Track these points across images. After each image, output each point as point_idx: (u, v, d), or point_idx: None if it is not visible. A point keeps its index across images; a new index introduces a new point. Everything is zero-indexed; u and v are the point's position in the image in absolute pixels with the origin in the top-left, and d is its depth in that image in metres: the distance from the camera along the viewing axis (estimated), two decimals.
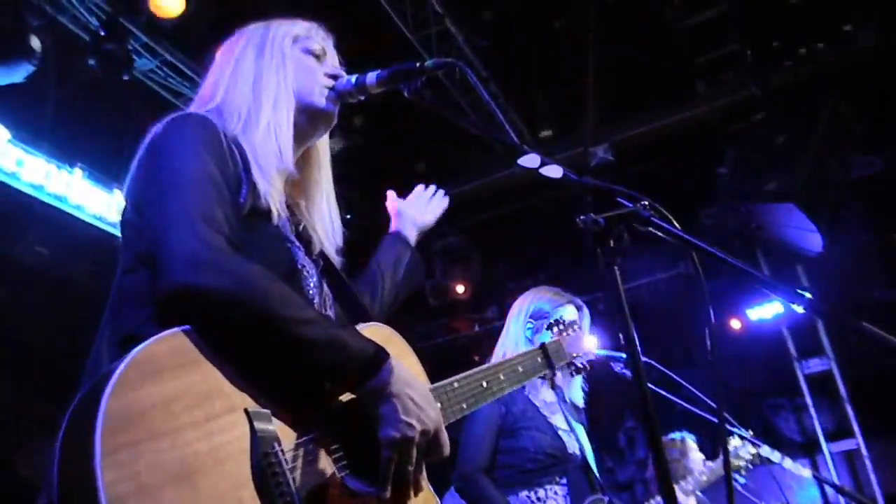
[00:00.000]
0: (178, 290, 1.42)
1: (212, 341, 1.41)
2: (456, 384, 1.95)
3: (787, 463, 3.49)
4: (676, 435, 5.47)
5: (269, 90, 1.83)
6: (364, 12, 5.86)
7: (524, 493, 3.13)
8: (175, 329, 1.38)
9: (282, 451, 1.42)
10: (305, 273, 1.79)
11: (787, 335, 7.85)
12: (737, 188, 7.42)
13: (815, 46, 6.76)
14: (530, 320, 3.43)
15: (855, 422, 7.29)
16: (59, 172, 5.95)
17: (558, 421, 3.34)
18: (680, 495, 4.87)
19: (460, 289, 7.74)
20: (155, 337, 1.33)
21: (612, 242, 1.59)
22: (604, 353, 3.72)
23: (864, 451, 7.14)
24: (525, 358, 2.42)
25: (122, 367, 1.26)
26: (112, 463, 1.19)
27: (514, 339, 3.36)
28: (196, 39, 5.99)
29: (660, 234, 1.57)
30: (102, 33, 5.43)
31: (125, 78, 5.62)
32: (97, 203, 6.16)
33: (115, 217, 6.18)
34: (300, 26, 1.99)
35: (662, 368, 3.46)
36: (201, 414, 1.34)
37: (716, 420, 3.28)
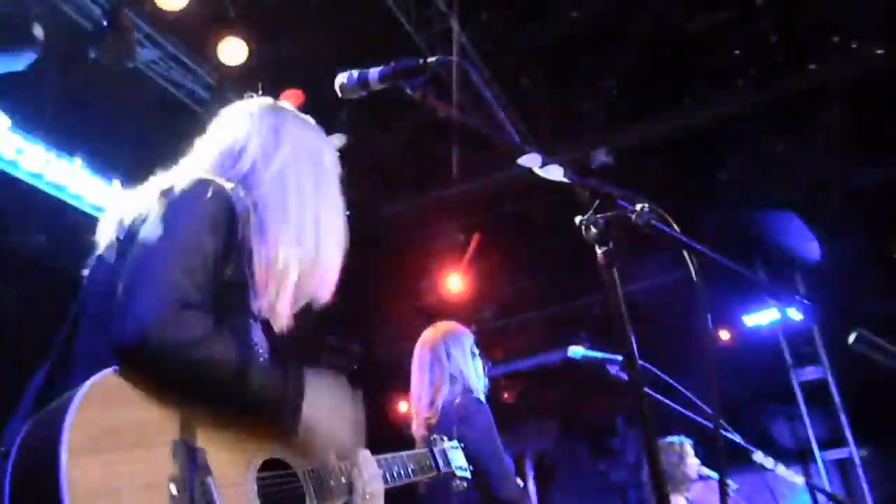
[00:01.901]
0: (127, 346, 1.52)
1: (155, 384, 1.54)
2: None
3: (781, 469, 3.49)
4: (675, 439, 5.47)
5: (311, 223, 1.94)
6: (368, 11, 5.86)
7: None
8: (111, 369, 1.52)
9: (215, 485, 1.54)
10: (259, 350, 1.86)
11: (784, 342, 7.85)
12: (736, 195, 7.43)
13: (818, 56, 6.77)
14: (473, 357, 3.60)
15: (848, 430, 7.30)
16: (59, 161, 5.92)
17: None
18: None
19: (458, 288, 7.74)
20: (104, 372, 1.49)
21: (611, 244, 1.59)
22: (599, 355, 3.73)
23: (856, 460, 7.15)
24: (416, 457, 2.40)
25: (81, 393, 1.41)
26: (76, 464, 1.33)
27: (475, 376, 3.53)
28: (198, 32, 5.98)
29: (659, 236, 1.56)
30: (105, 23, 5.41)
31: (127, 68, 5.61)
32: (96, 193, 6.14)
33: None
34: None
35: (659, 373, 3.45)
36: (148, 442, 1.49)
37: (711, 425, 3.28)
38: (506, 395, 10.52)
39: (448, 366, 3.49)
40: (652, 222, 1.56)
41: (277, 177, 1.89)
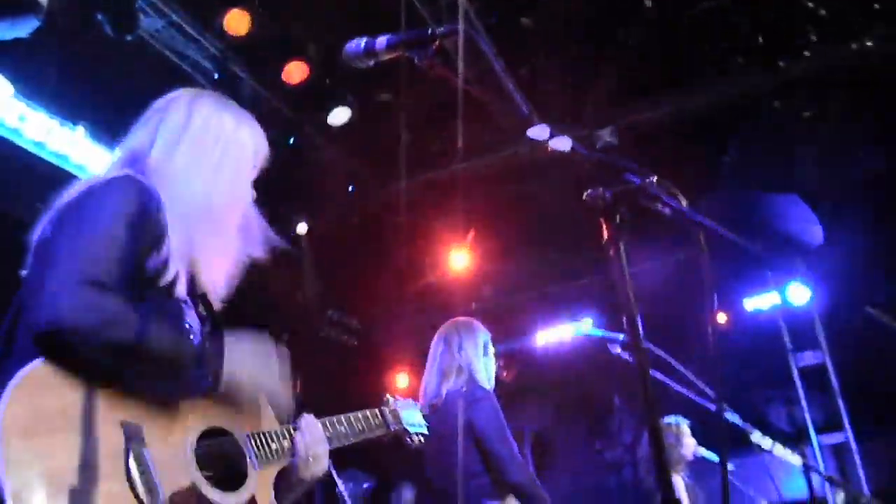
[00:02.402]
0: (40, 332, 1.59)
1: (79, 368, 1.60)
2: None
3: (778, 450, 3.51)
4: (671, 419, 5.50)
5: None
6: None
7: None
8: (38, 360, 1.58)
9: (150, 456, 1.60)
10: (192, 329, 1.92)
11: (784, 327, 7.85)
12: (740, 177, 7.39)
13: (827, 40, 6.69)
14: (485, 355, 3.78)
15: (846, 415, 7.32)
16: (62, 130, 5.89)
17: None
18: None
19: (458, 267, 7.74)
20: (34, 363, 1.55)
21: (618, 219, 1.58)
22: (601, 333, 3.74)
23: (853, 445, 7.18)
24: (365, 416, 2.46)
25: (11, 385, 1.49)
26: (9, 449, 1.40)
27: (483, 371, 3.71)
28: (203, 2, 5.93)
29: (667, 211, 1.55)
30: None
31: (131, 37, 5.56)
32: (99, 163, 6.11)
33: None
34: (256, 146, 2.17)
35: (660, 352, 3.46)
36: (81, 424, 1.54)
37: (712, 406, 3.31)
38: (504, 374, 10.57)
39: (458, 357, 3.67)
40: (661, 197, 1.55)
41: (182, 155, 1.97)
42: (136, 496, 1.53)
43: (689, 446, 5.51)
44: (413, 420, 2.67)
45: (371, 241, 7.73)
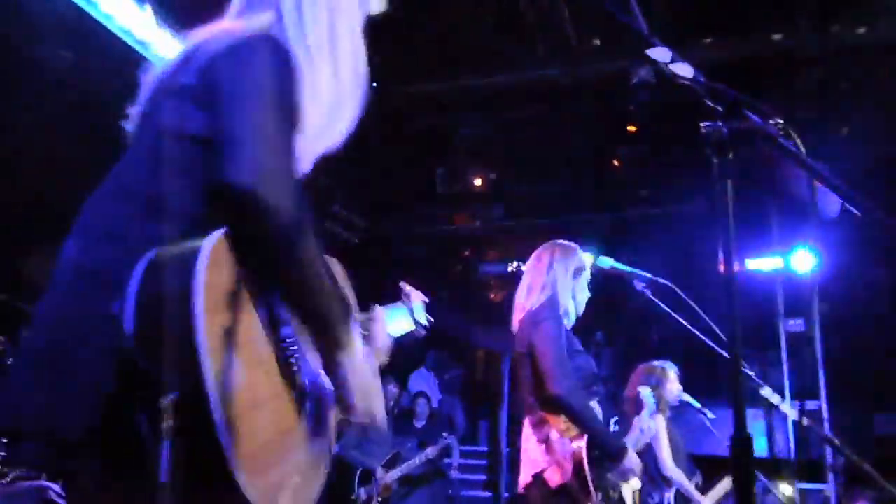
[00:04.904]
0: (240, 193, 1.37)
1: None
2: None
3: (785, 407, 3.59)
4: (657, 363, 5.60)
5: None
6: None
7: None
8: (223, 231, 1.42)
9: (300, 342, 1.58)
10: None
11: (780, 291, 7.94)
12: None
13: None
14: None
15: (823, 384, 7.49)
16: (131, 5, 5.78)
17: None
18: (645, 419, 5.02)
19: (477, 181, 7.67)
20: (217, 234, 1.39)
21: (731, 155, 1.55)
22: (628, 269, 3.75)
23: (825, 414, 7.37)
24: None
25: (209, 246, 1.35)
26: (210, 321, 1.30)
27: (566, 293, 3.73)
28: None
29: (783, 154, 1.52)
30: None
31: None
32: (127, 15, 5.93)
33: (142, 34, 6.01)
34: None
35: (683, 295, 3.48)
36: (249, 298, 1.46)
37: (724, 353, 3.36)
38: (492, 296, 10.67)
39: (545, 276, 3.70)
40: (779, 139, 1.51)
41: (315, 21, 1.71)
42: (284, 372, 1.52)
43: (674, 391, 5.61)
44: (399, 327, 2.61)
45: (389, 141, 7.60)
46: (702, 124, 1.55)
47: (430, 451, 7.00)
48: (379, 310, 2.03)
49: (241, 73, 1.51)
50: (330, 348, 1.63)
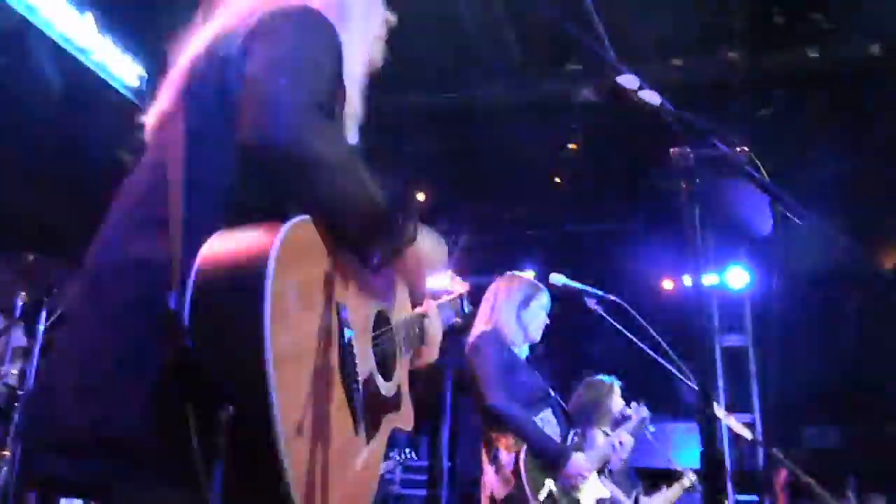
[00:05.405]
0: (273, 142, 1.32)
1: (320, 231, 1.39)
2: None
3: (731, 421, 3.70)
4: (605, 377, 5.69)
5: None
6: None
7: None
8: (303, 217, 1.36)
9: (353, 341, 1.46)
10: None
11: (716, 307, 8.18)
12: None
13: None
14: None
15: (757, 398, 7.73)
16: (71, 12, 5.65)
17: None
18: (599, 439, 5.11)
19: (420, 197, 7.70)
20: (294, 221, 1.32)
21: (697, 180, 1.61)
22: (580, 286, 3.83)
23: (758, 427, 7.60)
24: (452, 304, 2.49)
25: (278, 244, 1.25)
26: (276, 329, 1.20)
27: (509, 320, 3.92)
28: None
29: (747, 181, 1.59)
30: None
31: None
32: (68, 22, 5.79)
33: (82, 42, 5.88)
34: None
35: (633, 312, 3.57)
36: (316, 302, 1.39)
37: (669, 366, 3.49)
38: None
39: (490, 311, 3.90)
40: (744, 167, 1.58)
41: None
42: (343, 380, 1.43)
43: (618, 405, 5.71)
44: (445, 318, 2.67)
45: None
46: (671, 150, 1.60)
47: None
48: (432, 304, 1.99)
49: (285, 35, 1.48)
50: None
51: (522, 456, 3.49)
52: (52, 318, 3.97)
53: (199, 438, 1.18)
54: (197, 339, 1.20)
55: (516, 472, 3.47)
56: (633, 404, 5.15)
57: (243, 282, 1.21)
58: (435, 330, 1.94)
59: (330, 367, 1.36)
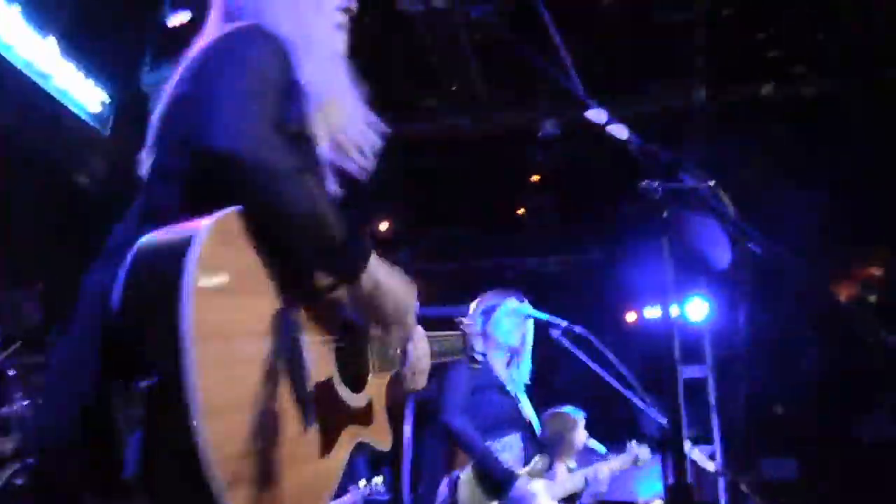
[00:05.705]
0: (226, 156, 1.35)
1: (256, 224, 1.38)
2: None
3: (696, 454, 3.74)
4: (570, 410, 5.68)
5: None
6: None
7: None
8: (235, 208, 1.36)
9: (304, 342, 1.45)
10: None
11: (676, 339, 8.23)
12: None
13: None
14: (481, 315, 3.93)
15: (717, 429, 7.80)
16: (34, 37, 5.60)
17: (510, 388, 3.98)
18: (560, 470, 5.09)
19: (383, 226, 7.70)
20: (224, 211, 1.33)
21: (665, 214, 1.63)
22: (545, 316, 3.83)
23: (718, 458, 7.66)
24: (450, 340, 2.45)
25: (209, 223, 1.27)
26: (200, 302, 1.20)
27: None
28: None
29: (713, 216, 1.61)
30: None
31: None
32: (30, 47, 5.71)
33: (45, 66, 5.80)
34: None
35: (597, 343, 3.59)
36: (255, 290, 1.38)
37: (638, 401, 3.50)
38: None
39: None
40: (710, 202, 1.61)
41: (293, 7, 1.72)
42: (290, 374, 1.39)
43: (581, 437, 5.71)
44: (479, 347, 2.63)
45: None
46: (640, 183, 1.62)
47: None
48: (419, 330, 1.89)
49: (226, 53, 1.52)
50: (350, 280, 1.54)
51: (462, 477, 3.52)
52: None
53: (121, 416, 1.19)
54: (125, 314, 1.23)
55: (453, 491, 3.50)
56: (633, 443, 5.14)
57: (168, 253, 1.24)
58: (420, 355, 1.86)
59: (270, 356, 1.34)
